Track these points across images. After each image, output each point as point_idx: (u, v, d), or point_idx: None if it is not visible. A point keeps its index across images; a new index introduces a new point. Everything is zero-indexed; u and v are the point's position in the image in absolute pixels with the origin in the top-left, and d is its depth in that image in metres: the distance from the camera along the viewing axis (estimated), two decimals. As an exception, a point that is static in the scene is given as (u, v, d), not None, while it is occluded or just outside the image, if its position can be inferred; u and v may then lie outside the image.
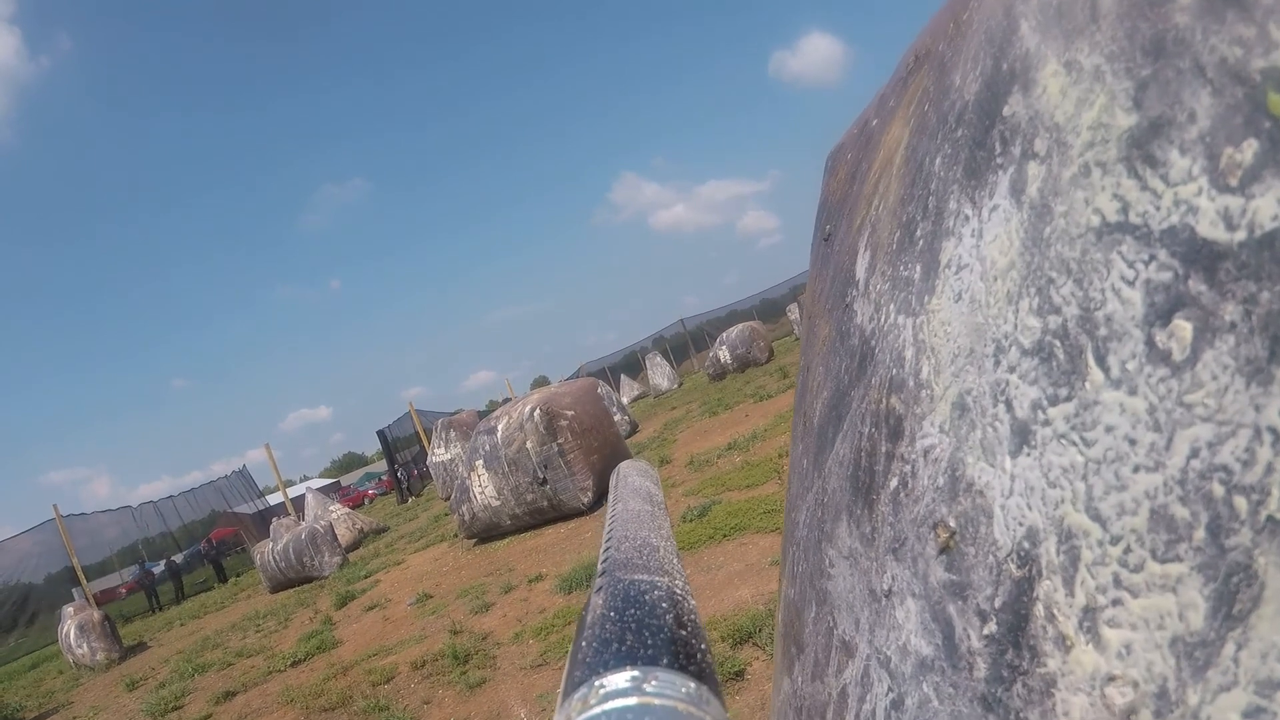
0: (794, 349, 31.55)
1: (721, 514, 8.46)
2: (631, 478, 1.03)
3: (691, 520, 8.63)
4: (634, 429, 23.15)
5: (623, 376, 47.72)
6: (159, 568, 31.06)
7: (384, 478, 52.97)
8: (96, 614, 16.98)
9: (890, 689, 0.81)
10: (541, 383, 68.59)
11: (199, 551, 35.22)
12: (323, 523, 18.92)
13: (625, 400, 34.60)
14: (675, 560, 0.63)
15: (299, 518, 24.43)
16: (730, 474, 10.53)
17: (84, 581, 26.56)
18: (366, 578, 14.39)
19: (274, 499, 40.92)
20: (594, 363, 65.04)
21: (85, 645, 16.40)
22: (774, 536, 7.06)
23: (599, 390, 15.65)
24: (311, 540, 17.86)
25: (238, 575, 30.18)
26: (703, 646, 0.44)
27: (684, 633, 0.45)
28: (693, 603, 0.52)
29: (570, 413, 12.14)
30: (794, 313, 42.86)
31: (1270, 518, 0.48)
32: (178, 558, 32.62)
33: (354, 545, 21.67)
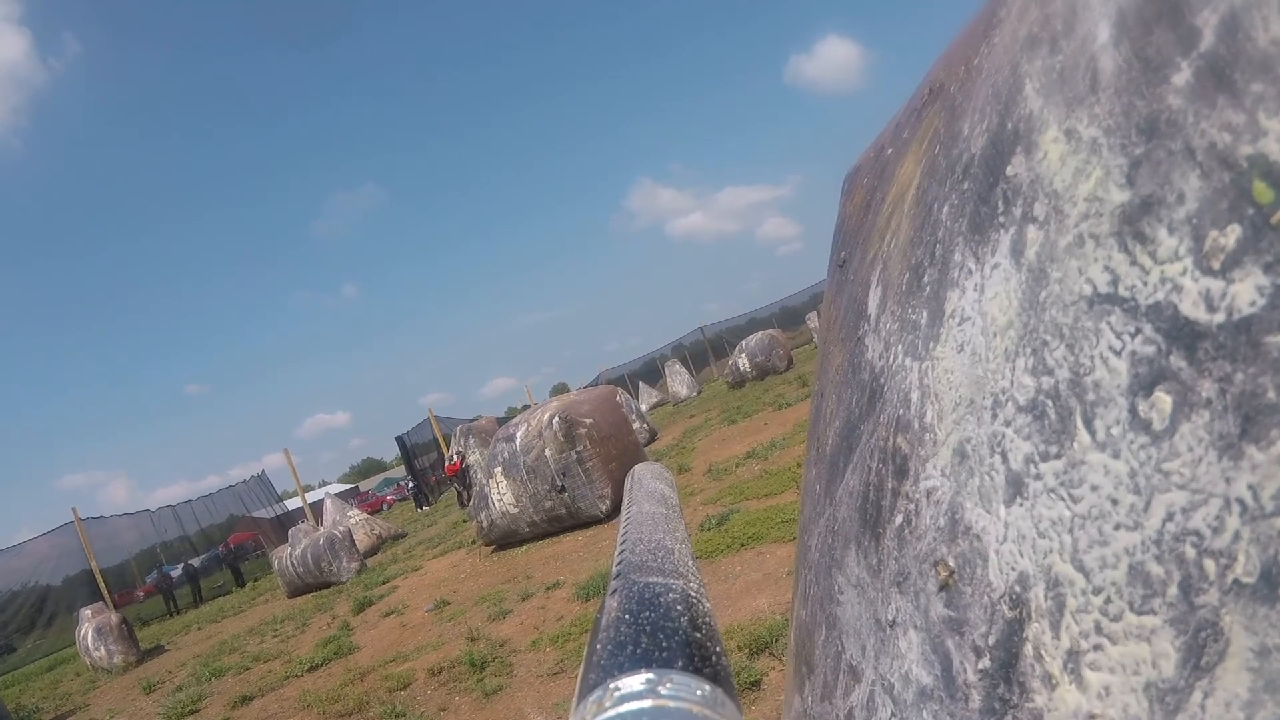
0: (814, 357, 31.45)
1: (740, 523, 8.45)
2: (646, 480, 1.02)
3: (710, 529, 8.61)
4: (653, 437, 23.10)
5: (642, 384, 47.61)
6: (176, 571, 31.09)
7: (400, 483, 52.91)
8: (114, 617, 16.96)
9: (893, 714, 0.85)
10: (561, 390, 68.37)
11: (217, 555, 35.20)
12: (341, 528, 18.94)
13: (644, 408, 34.53)
14: (690, 562, 0.63)
15: (317, 523, 24.41)
16: (749, 483, 10.52)
17: (102, 584, 26.60)
18: (384, 583, 14.38)
19: (292, 504, 40.87)
20: (613, 370, 64.85)
21: (103, 648, 16.36)
22: (792, 546, 7.04)
23: (618, 398, 15.62)
24: (330, 545, 17.87)
25: (256, 580, 30.17)
26: (718, 649, 0.44)
27: (699, 635, 0.44)
28: (708, 605, 0.51)
29: (589, 421, 12.14)
30: (813, 321, 42.70)
31: (1236, 581, 0.51)
32: (195, 561, 32.62)
33: (372, 551, 21.67)
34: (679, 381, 41.14)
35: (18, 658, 28.05)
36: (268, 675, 10.10)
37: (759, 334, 31.72)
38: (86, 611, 17.73)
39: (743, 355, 30.89)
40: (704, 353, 59.89)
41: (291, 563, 18.62)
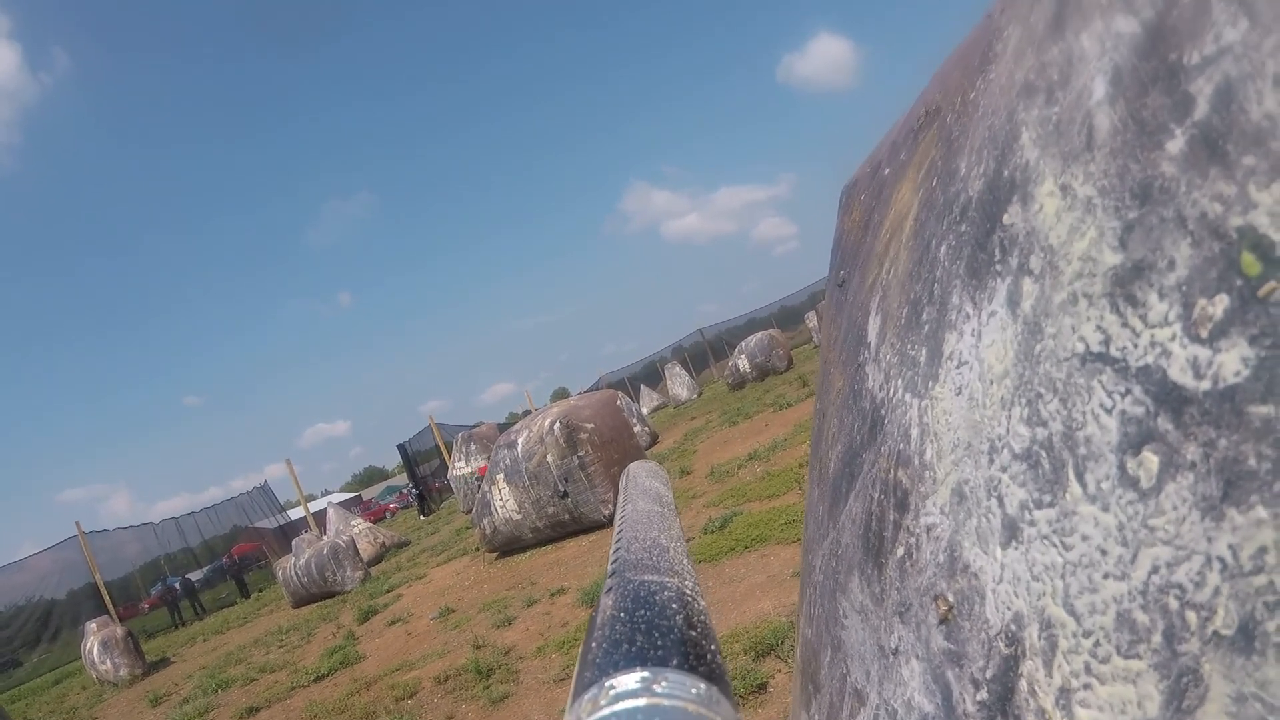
0: (813, 356, 31.36)
1: (743, 525, 8.46)
2: (641, 478, 1.03)
3: (713, 532, 8.61)
4: (654, 440, 23.06)
5: (642, 387, 47.51)
6: (178, 583, 31.05)
7: (403, 491, 52.90)
8: (119, 630, 16.92)
9: (898, 739, 0.88)
10: (561, 394, 68.25)
11: (221, 567, 35.08)
12: (344, 537, 18.91)
13: (645, 411, 34.47)
14: (685, 561, 0.64)
15: (320, 532, 24.40)
16: (751, 484, 10.51)
17: (107, 597, 26.56)
18: (389, 592, 14.38)
19: (295, 514, 40.81)
20: (613, 373, 64.70)
21: (109, 661, 16.33)
22: (795, 547, 7.04)
23: (619, 402, 15.62)
24: (333, 555, 17.84)
25: (260, 590, 30.08)
26: (713, 647, 0.44)
27: (694, 633, 0.45)
28: (703, 603, 0.52)
29: (590, 425, 12.13)
30: (812, 320, 42.56)
31: (1216, 633, 0.54)
32: (197, 574, 32.53)
33: (376, 559, 21.66)
34: (679, 384, 41.12)
35: (24, 672, 27.97)
36: (274, 686, 10.11)
37: (758, 334, 31.64)
38: (91, 625, 17.70)
39: (742, 356, 30.81)
40: (703, 354, 59.82)
41: (296, 573, 18.59)
